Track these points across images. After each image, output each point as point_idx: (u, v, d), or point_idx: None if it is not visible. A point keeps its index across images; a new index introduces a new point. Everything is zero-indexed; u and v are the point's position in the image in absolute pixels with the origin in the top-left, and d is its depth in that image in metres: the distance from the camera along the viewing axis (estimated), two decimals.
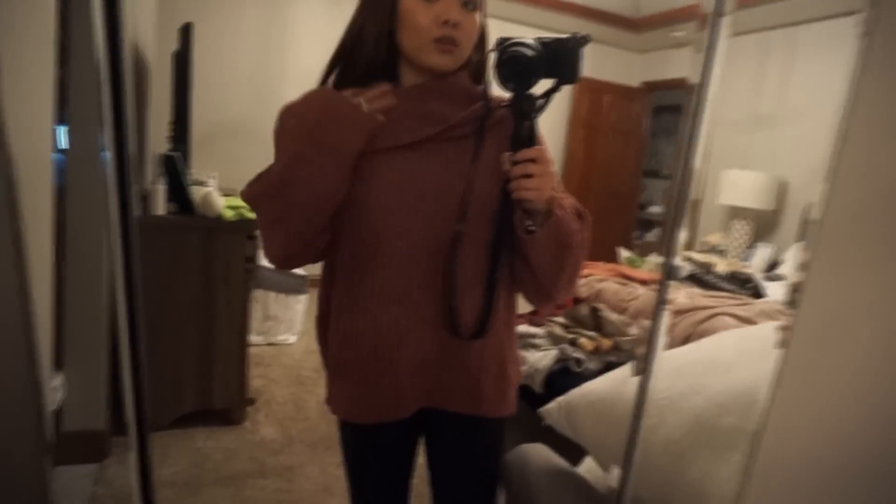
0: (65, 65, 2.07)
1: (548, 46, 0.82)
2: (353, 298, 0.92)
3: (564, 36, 0.83)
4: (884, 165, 0.53)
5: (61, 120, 2.55)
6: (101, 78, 0.55)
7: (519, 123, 0.83)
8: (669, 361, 1.19)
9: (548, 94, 0.84)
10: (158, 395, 2.33)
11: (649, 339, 1.00)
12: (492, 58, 0.83)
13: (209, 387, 2.39)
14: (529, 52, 0.80)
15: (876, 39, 0.52)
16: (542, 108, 0.83)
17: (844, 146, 0.54)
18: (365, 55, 0.92)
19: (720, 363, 1.14)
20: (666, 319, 1.00)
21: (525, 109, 0.82)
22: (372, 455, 1.02)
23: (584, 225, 0.92)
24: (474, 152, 0.89)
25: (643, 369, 1.01)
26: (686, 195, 0.93)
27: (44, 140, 1.64)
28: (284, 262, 0.92)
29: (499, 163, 0.87)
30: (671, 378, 1.11)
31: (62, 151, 2.39)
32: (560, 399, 1.28)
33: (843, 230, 0.57)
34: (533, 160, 0.82)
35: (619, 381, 1.16)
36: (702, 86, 0.85)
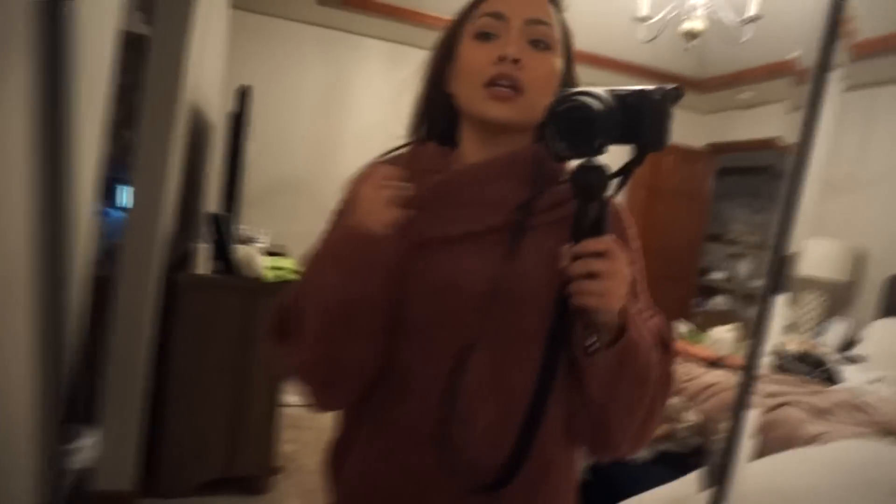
0: (133, 126, 2.16)
1: (624, 101, 0.62)
2: (379, 430, 0.74)
3: (647, 87, 0.63)
4: None
5: (125, 180, 2.65)
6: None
7: (583, 204, 0.62)
8: (756, 478, 1.03)
9: (627, 169, 0.63)
10: (183, 460, 2.27)
11: (727, 445, 0.80)
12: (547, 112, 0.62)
13: (235, 452, 2.33)
14: (596, 105, 0.59)
15: None
16: (618, 185, 0.63)
17: None
18: (430, 113, 0.80)
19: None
20: (752, 420, 0.81)
21: (590, 184, 0.61)
22: None
23: (668, 357, 0.72)
24: (510, 242, 0.69)
25: (717, 484, 0.80)
26: (783, 266, 0.72)
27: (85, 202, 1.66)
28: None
29: (554, 258, 0.67)
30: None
31: (124, 210, 2.47)
32: None
33: None
34: (600, 254, 0.61)
35: (676, 500, 1.01)
36: (803, 145, 0.67)
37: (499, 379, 0.69)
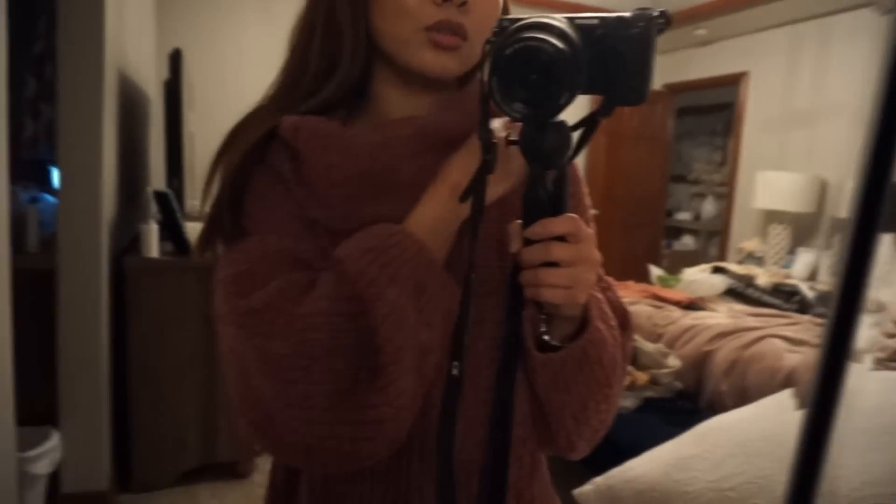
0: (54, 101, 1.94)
1: (592, 35, 0.45)
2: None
3: (623, 14, 0.45)
4: None
5: (54, 161, 2.43)
6: None
7: (538, 174, 0.48)
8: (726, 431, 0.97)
9: (590, 124, 0.48)
10: (159, 452, 2.18)
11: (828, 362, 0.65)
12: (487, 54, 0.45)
13: (213, 439, 2.23)
14: (559, 45, 0.42)
15: None
16: (577, 146, 0.48)
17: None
18: (341, 59, 0.57)
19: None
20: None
21: (547, 149, 0.47)
22: None
23: (627, 337, 0.60)
24: (471, 227, 0.50)
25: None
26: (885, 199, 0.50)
27: None
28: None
29: (503, 242, 0.54)
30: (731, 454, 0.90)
31: (56, 193, 2.27)
32: (599, 481, 1.06)
33: None
34: (562, 238, 0.48)
35: (671, 464, 0.94)
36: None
37: (471, 383, 0.55)
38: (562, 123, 0.47)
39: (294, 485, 0.62)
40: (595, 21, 0.45)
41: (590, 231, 0.50)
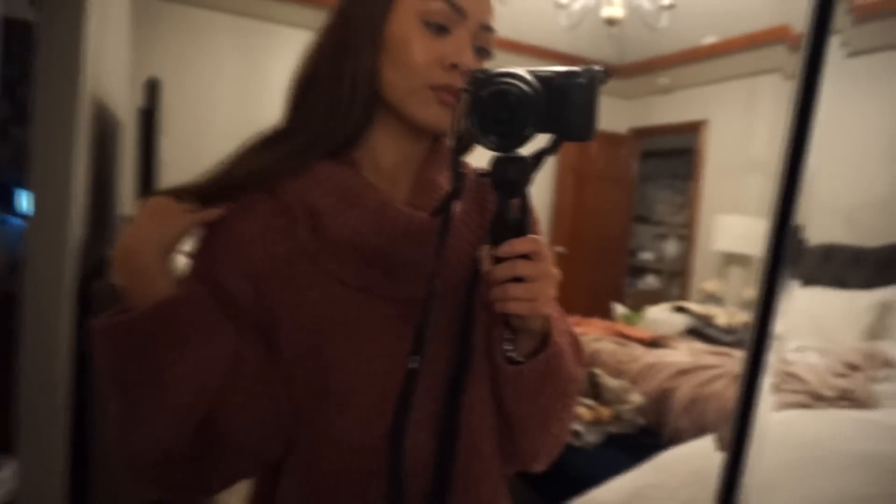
0: (24, 123, 1.93)
1: (548, 84, 0.55)
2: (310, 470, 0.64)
3: (573, 69, 0.56)
4: None
5: (22, 183, 2.40)
6: None
7: (504, 200, 0.57)
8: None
9: (541, 155, 0.57)
10: (118, 481, 2.11)
11: (742, 408, 0.68)
12: (464, 99, 0.55)
13: None
14: (525, 88, 0.53)
15: None
16: (531, 177, 0.58)
17: None
18: (343, 101, 0.63)
19: None
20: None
21: (513, 177, 0.56)
22: None
23: (579, 359, 0.68)
24: (438, 241, 0.60)
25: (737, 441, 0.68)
26: (789, 237, 0.55)
27: None
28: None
29: (470, 260, 0.62)
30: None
31: (24, 217, 2.23)
32: None
33: None
34: (526, 256, 0.56)
35: (631, 493, 0.98)
36: (803, 115, 0.55)
37: (430, 405, 0.62)
38: (523, 157, 0.56)
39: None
40: (551, 73, 0.56)
41: (548, 251, 0.58)
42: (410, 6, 0.62)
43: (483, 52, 0.65)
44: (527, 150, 0.57)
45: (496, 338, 0.61)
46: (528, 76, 0.55)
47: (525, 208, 0.57)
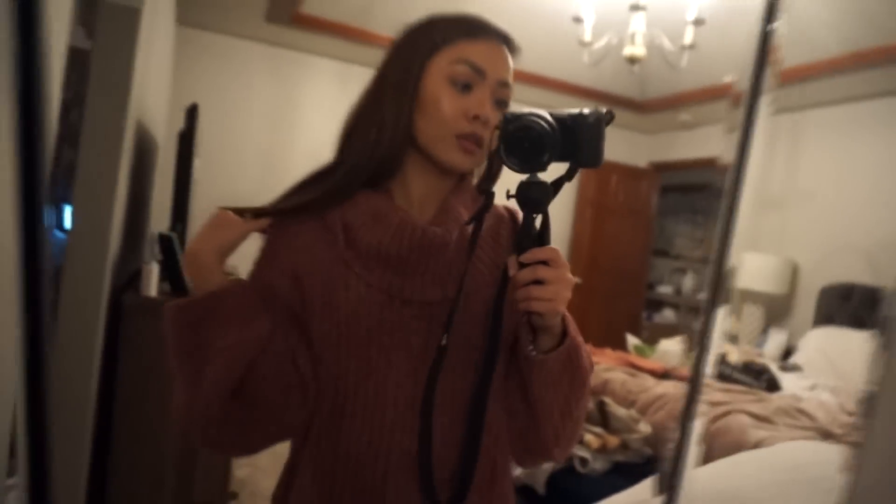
0: (73, 144, 2.07)
1: (563, 122, 0.68)
2: (320, 461, 0.75)
3: (583, 111, 0.69)
4: None
5: (65, 199, 2.54)
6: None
7: (528, 216, 0.69)
8: (703, 482, 1.07)
9: (560, 182, 0.69)
10: (133, 492, 2.19)
11: (676, 453, 0.82)
12: (497, 134, 0.69)
13: (189, 480, 2.25)
14: (544, 124, 0.67)
15: None
16: (552, 198, 0.70)
17: None
18: (382, 143, 0.76)
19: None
20: (698, 428, 0.85)
21: (535, 197, 0.68)
22: None
23: (589, 362, 0.78)
24: (469, 248, 0.74)
25: (669, 490, 0.84)
26: (724, 280, 0.70)
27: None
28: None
29: (492, 270, 0.76)
30: None
31: (65, 231, 2.36)
32: None
33: None
34: (545, 262, 0.67)
35: None
36: (739, 166, 0.66)
37: (450, 393, 0.74)
38: (544, 182, 0.69)
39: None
40: (566, 114, 0.70)
41: (564, 259, 0.69)
42: (439, 70, 0.76)
43: (501, 104, 0.78)
44: (547, 177, 0.69)
45: (522, 336, 0.72)
46: (547, 116, 0.68)
47: (546, 223, 0.69)
